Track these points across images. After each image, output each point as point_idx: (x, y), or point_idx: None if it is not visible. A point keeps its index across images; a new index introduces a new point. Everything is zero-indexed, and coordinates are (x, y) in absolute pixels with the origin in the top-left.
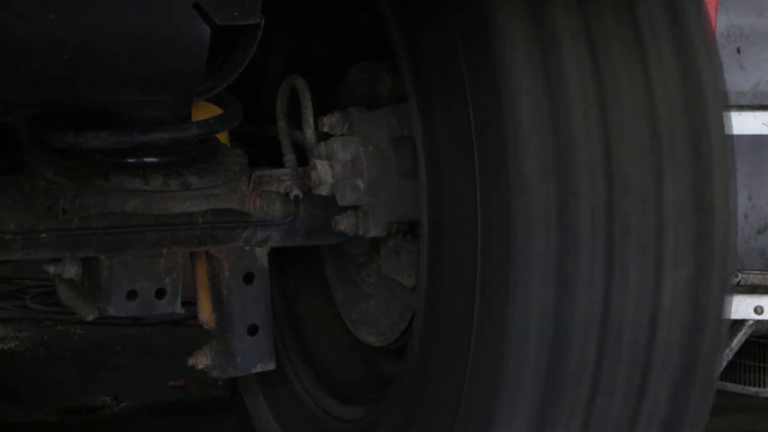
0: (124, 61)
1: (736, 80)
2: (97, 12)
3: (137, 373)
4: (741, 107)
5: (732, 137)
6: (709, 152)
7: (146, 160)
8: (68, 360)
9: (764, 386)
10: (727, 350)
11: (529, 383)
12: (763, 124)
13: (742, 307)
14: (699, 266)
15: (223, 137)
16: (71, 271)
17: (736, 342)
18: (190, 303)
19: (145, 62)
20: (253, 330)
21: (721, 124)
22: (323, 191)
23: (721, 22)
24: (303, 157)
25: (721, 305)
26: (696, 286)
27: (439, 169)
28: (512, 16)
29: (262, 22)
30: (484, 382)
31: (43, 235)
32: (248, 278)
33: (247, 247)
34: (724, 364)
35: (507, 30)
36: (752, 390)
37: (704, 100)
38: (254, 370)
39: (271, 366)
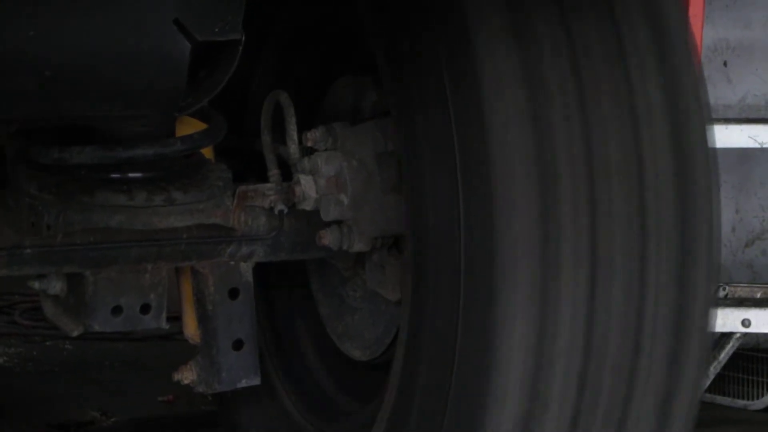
0: (104, 77)
1: (723, 93)
2: (77, 29)
3: (126, 388)
4: (728, 120)
5: (715, 150)
6: (693, 166)
7: (130, 175)
8: (57, 375)
9: (752, 399)
10: (715, 363)
11: (515, 395)
12: (749, 137)
13: (730, 320)
14: (682, 280)
15: (207, 152)
16: (56, 286)
17: (724, 355)
18: (178, 318)
19: (125, 78)
20: (238, 345)
21: (704, 137)
22: (307, 206)
23: (708, 35)
24: (288, 172)
25: (705, 319)
26: (680, 301)
27: (422, 183)
28: (494, 29)
29: (243, 38)
30: (470, 395)
31: (28, 250)
32: (233, 293)
33: (232, 262)
34: (713, 377)
35: (489, 43)
36: (741, 403)
37: (687, 114)
38: (239, 385)
39: (256, 381)
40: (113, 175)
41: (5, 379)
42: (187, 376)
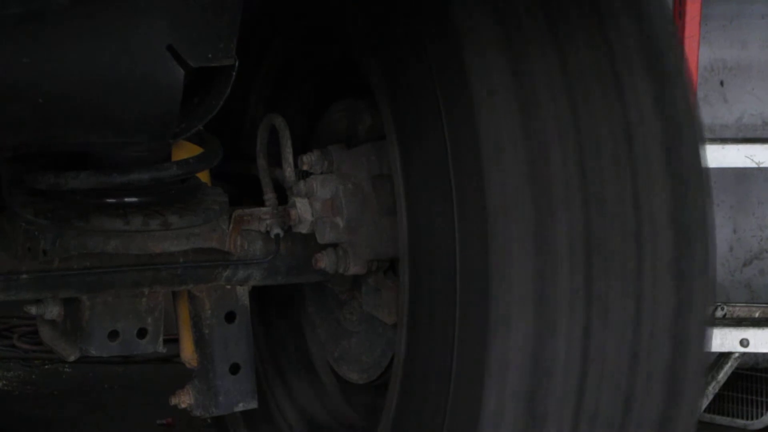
0: (98, 104)
1: (719, 113)
2: (71, 56)
3: (126, 411)
4: (725, 140)
5: (709, 170)
6: (687, 185)
7: (126, 200)
8: (57, 399)
9: (752, 418)
10: (714, 383)
11: (510, 421)
12: (746, 156)
13: (728, 340)
14: (678, 301)
15: (204, 176)
16: (53, 311)
17: (723, 375)
18: (176, 341)
19: (119, 105)
20: (234, 369)
21: (698, 156)
22: (303, 229)
23: (704, 55)
24: (284, 196)
25: (702, 340)
26: (676, 323)
27: (417, 206)
28: (488, 51)
29: (236, 63)
30: (464, 419)
31: (24, 276)
32: (230, 317)
33: (229, 286)
34: (712, 396)
35: (482, 65)
36: (740, 423)
37: (680, 134)
38: (236, 409)
39: (253, 405)
40: (109, 200)
41: (4, 403)
42: (184, 399)
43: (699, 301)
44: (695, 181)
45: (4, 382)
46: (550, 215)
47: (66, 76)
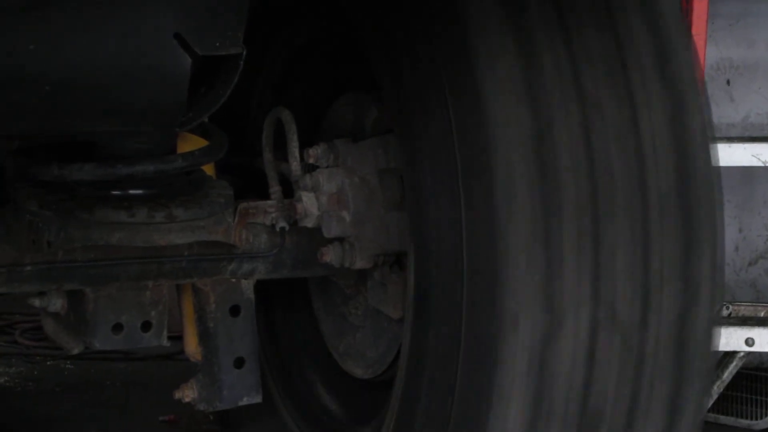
0: (104, 92)
1: (726, 112)
2: (78, 43)
3: (127, 408)
4: (731, 139)
5: (719, 168)
6: (695, 184)
7: (131, 192)
8: (58, 395)
9: (756, 418)
10: (718, 382)
11: (516, 415)
12: (753, 155)
13: (733, 339)
14: (685, 299)
15: (209, 169)
16: (56, 304)
17: (728, 374)
18: (178, 337)
19: (125, 93)
20: (239, 362)
21: (707, 154)
22: (309, 223)
23: (711, 54)
24: (289, 189)
25: (708, 339)
26: (683, 321)
27: (424, 200)
28: (495, 45)
29: (244, 53)
30: (471, 414)
31: (28, 268)
32: (234, 310)
33: (234, 280)
34: (716, 396)
35: (490, 58)
36: (744, 423)
37: (690, 132)
38: (241, 403)
39: (257, 399)
40: (114, 192)
41: (6, 399)
42: (188, 394)
43: (706, 302)
44: (704, 180)
45: (6, 378)
46: (558, 207)
47: (73, 63)
